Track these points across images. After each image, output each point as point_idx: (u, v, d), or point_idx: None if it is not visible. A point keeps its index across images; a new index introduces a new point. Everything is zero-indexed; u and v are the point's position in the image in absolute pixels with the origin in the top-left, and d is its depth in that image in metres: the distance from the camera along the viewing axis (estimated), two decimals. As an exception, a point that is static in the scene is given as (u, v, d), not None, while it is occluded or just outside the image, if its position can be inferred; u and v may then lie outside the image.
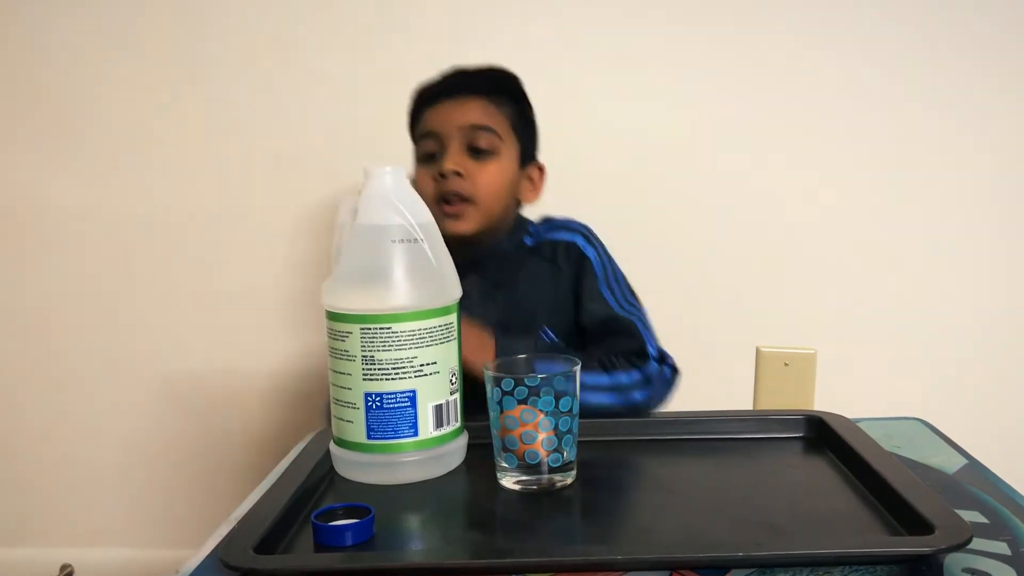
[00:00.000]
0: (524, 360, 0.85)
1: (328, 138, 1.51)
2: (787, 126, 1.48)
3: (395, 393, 0.81)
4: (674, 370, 1.14)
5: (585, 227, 1.21)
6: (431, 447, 0.83)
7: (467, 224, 1.11)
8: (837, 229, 1.49)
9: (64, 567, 1.57)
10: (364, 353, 0.81)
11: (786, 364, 1.28)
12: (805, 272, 1.50)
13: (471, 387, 0.88)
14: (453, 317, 0.85)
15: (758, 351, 1.31)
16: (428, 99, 1.16)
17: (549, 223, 1.22)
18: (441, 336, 0.83)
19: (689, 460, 0.89)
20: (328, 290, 0.85)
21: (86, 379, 1.60)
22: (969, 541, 0.63)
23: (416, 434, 0.82)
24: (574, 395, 0.80)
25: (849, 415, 0.94)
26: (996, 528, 0.70)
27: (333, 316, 0.84)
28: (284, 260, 1.52)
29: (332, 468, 0.86)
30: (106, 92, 1.53)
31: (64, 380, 1.60)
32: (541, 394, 0.78)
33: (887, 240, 1.49)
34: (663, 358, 1.13)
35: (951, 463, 0.86)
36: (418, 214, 0.84)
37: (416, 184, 1.12)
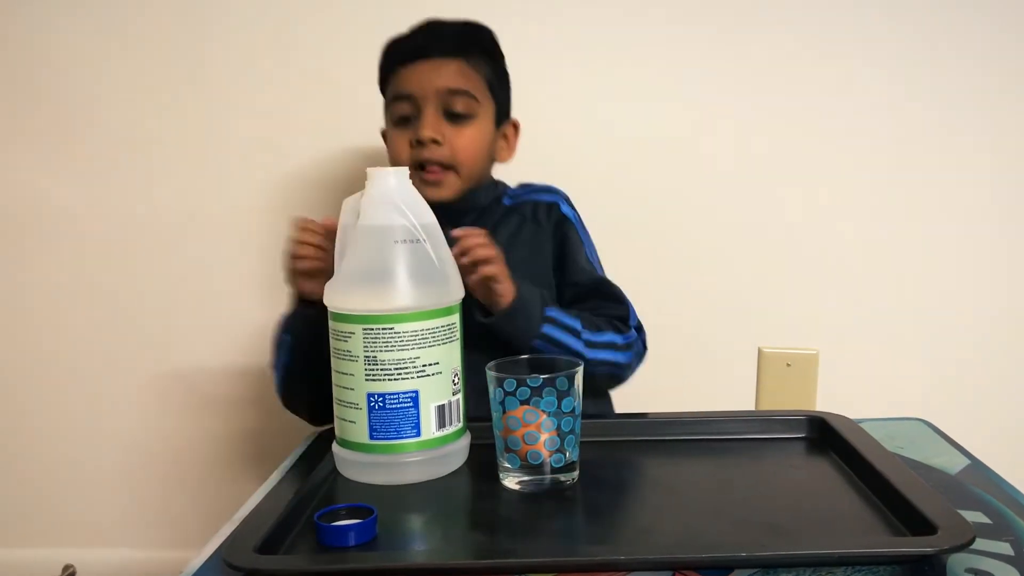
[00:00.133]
0: (526, 361, 0.85)
1: (329, 138, 1.51)
2: (789, 126, 1.48)
3: (398, 393, 0.81)
4: (645, 346, 1.15)
5: (563, 192, 1.20)
6: (433, 447, 0.83)
7: (447, 191, 1.10)
8: (839, 229, 1.49)
9: (66, 567, 1.57)
10: (367, 353, 0.81)
11: (788, 365, 1.29)
12: (807, 273, 1.50)
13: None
14: (456, 317, 0.85)
15: (760, 352, 1.31)
16: (402, 58, 1.12)
17: (527, 186, 1.22)
18: (444, 336, 0.83)
19: (691, 461, 0.89)
20: (331, 290, 0.85)
21: (87, 379, 1.60)
22: (972, 542, 0.63)
23: (419, 434, 0.82)
24: (577, 395, 0.80)
25: (851, 415, 0.94)
26: (999, 529, 0.70)
27: (336, 316, 0.84)
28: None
29: (335, 468, 0.86)
30: (106, 92, 1.52)
31: (65, 380, 1.60)
32: (543, 395, 0.78)
33: (889, 240, 1.49)
34: (640, 328, 1.15)
35: (954, 463, 0.86)
36: (421, 215, 0.84)
37: (391, 148, 1.12)
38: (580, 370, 0.80)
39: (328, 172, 1.52)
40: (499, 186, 1.20)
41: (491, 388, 0.81)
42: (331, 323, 0.85)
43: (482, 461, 0.85)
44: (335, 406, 0.86)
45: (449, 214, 1.07)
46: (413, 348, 0.81)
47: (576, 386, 0.80)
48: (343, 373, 0.83)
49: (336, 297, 0.84)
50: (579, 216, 1.19)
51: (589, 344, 1.04)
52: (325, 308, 0.93)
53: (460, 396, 0.86)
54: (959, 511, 0.68)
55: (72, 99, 1.53)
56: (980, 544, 0.65)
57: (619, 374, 1.11)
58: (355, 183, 1.48)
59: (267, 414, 1.56)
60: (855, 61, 1.46)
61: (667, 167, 1.49)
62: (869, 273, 1.50)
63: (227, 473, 1.60)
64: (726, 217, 1.49)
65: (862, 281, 1.50)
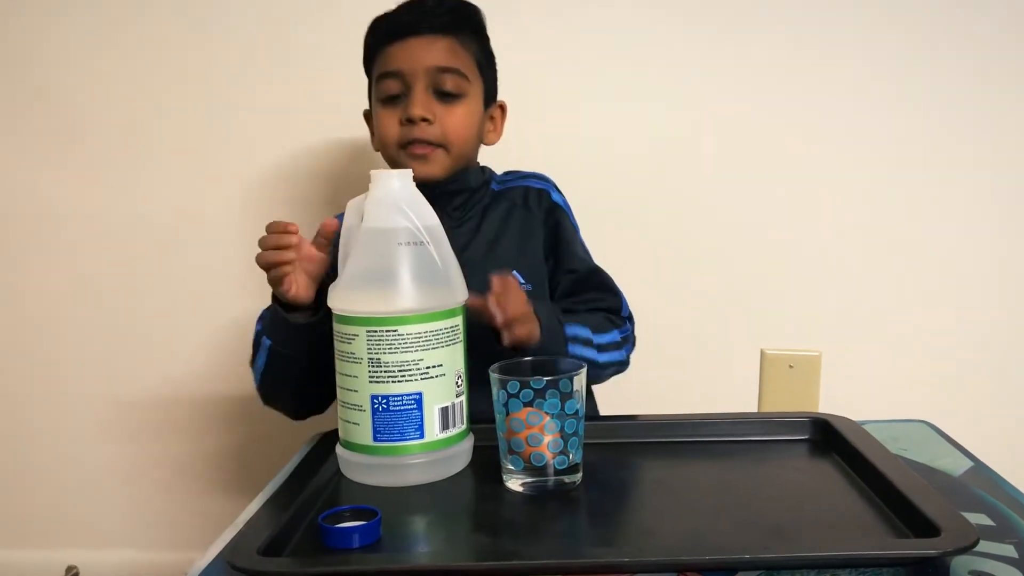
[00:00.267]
0: (529, 363, 0.85)
1: (329, 139, 1.51)
2: (791, 127, 1.48)
3: (401, 395, 0.82)
4: (634, 336, 1.16)
5: (552, 179, 1.20)
6: (437, 449, 0.83)
7: (435, 167, 1.08)
8: (841, 230, 1.49)
9: (70, 569, 1.58)
10: (370, 355, 0.81)
11: (791, 366, 1.28)
12: (809, 274, 1.50)
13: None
14: (459, 319, 0.85)
15: (762, 353, 1.31)
16: (391, 34, 1.09)
17: (514, 173, 1.21)
18: (447, 338, 0.83)
19: (694, 462, 0.89)
20: (334, 293, 0.85)
21: (90, 381, 1.60)
22: (975, 544, 0.63)
23: (422, 436, 0.82)
24: (580, 398, 0.80)
25: (854, 417, 0.94)
26: (1003, 531, 0.70)
27: (339, 318, 0.84)
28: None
29: (338, 470, 0.86)
30: (104, 93, 1.53)
31: (67, 382, 1.60)
32: (547, 396, 0.78)
33: (891, 241, 1.49)
34: (630, 319, 1.15)
35: (957, 465, 0.86)
36: (424, 217, 0.84)
37: (378, 126, 1.10)
38: (583, 372, 0.80)
39: (328, 172, 1.52)
40: (486, 171, 1.18)
41: (494, 390, 0.81)
42: (335, 325, 0.85)
43: (486, 463, 0.85)
44: (339, 408, 0.86)
45: (438, 195, 1.06)
46: (417, 350, 0.81)
47: (579, 388, 0.80)
48: (347, 375, 0.83)
49: (340, 299, 0.84)
50: (568, 203, 1.19)
51: (600, 348, 1.05)
52: (309, 310, 0.93)
53: (464, 398, 0.86)
54: (962, 513, 0.68)
55: (70, 100, 1.54)
56: (984, 546, 0.65)
57: (622, 370, 1.12)
58: (354, 183, 1.50)
59: (270, 415, 1.55)
60: (857, 61, 1.46)
61: (668, 167, 1.50)
62: (871, 274, 1.50)
63: (230, 475, 1.60)
64: (728, 218, 1.50)
65: (864, 282, 1.50)
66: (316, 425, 1.03)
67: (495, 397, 0.81)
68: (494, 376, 0.80)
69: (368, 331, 0.81)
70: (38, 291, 1.59)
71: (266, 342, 0.98)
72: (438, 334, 0.82)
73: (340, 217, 1.01)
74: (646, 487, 0.85)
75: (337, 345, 0.85)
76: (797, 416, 0.95)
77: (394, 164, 1.11)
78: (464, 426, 0.86)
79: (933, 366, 1.50)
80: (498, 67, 1.17)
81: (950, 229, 1.49)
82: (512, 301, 0.92)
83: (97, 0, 1.51)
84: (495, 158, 1.21)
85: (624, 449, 0.92)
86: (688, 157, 1.49)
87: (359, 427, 0.83)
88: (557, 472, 0.79)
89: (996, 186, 1.48)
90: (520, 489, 0.80)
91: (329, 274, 0.93)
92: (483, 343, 0.93)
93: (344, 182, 1.52)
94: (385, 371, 0.81)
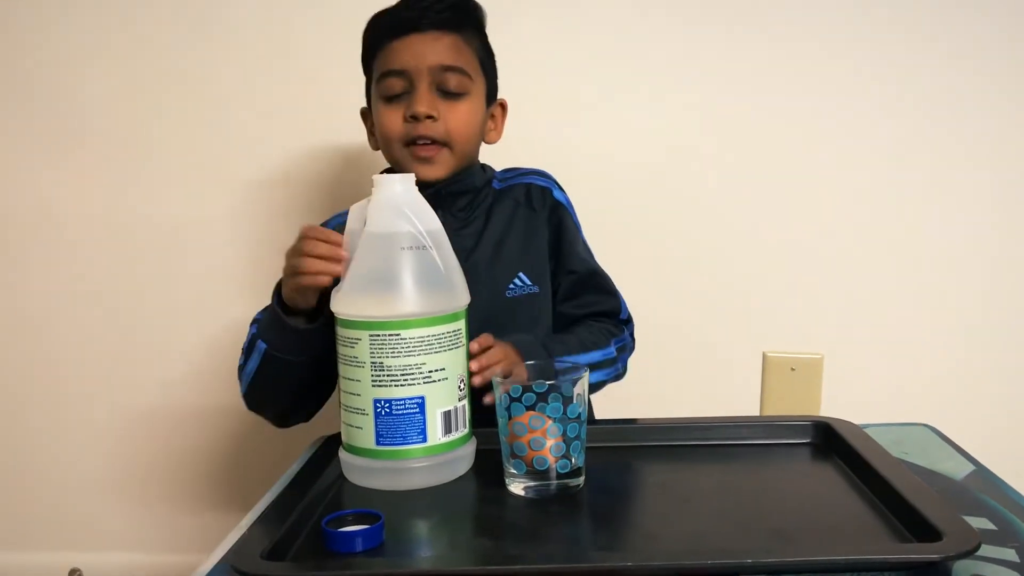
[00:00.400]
0: (532, 366, 0.86)
1: (331, 142, 1.51)
2: (792, 128, 1.48)
3: (404, 399, 0.82)
4: (633, 339, 1.16)
5: (553, 176, 1.19)
6: (440, 453, 0.83)
7: (440, 169, 1.07)
8: (843, 233, 1.49)
9: (73, 571, 1.58)
10: (373, 359, 0.81)
11: (793, 369, 1.29)
12: (811, 276, 1.49)
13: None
14: (461, 323, 0.86)
15: (765, 356, 1.31)
16: (392, 31, 1.08)
17: (514, 170, 1.19)
18: (450, 342, 0.84)
19: (697, 466, 0.89)
20: (337, 297, 0.85)
21: (92, 384, 1.60)
22: (977, 548, 0.63)
23: (425, 440, 0.82)
24: (582, 401, 0.80)
25: (856, 420, 0.94)
26: (1005, 535, 0.70)
27: (342, 323, 0.84)
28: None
29: (341, 474, 0.86)
30: (107, 95, 1.52)
31: (70, 384, 1.61)
32: (549, 400, 0.78)
33: (894, 244, 1.49)
34: (629, 321, 1.16)
35: (959, 469, 0.86)
36: (426, 221, 0.85)
37: (381, 124, 1.09)
38: (586, 376, 0.80)
39: (329, 175, 1.52)
40: (487, 169, 1.18)
41: (497, 394, 0.81)
42: (337, 329, 0.85)
43: (488, 467, 0.85)
44: (341, 412, 0.86)
45: (443, 197, 1.08)
46: (419, 354, 0.82)
47: (581, 392, 0.80)
48: (350, 379, 0.84)
49: (343, 303, 0.84)
50: (571, 201, 1.18)
51: (592, 367, 1.05)
52: (310, 315, 0.93)
53: (466, 402, 0.86)
54: (964, 517, 0.68)
55: (70, 101, 1.54)
56: (985, 550, 0.65)
57: (619, 379, 1.12)
58: (355, 185, 1.50)
59: (273, 418, 1.56)
60: (858, 62, 1.46)
61: (669, 168, 1.49)
62: (873, 277, 1.50)
63: (234, 478, 1.60)
64: (729, 219, 1.49)
65: (867, 285, 1.50)
66: (319, 429, 1.04)
67: (497, 401, 0.81)
68: (496, 380, 0.81)
69: (371, 335, 0.81)
70: (40, 293, 1.59)
71: (261, 346, 0.97)
72: (440, 338, 0.83)
73: (338, 217, 1.02)
74: (648, 491, 0.85)
75: (340, 349, 0.85)
76: (799, 420, 0.95)
77: (396, 162, 1.10)
78: (467, 430, 0.87)
79: (935, 369, 1.50)
80: (497, 66, 1.16)
81: (953, 232, 1.49)
82: (493, 358, 0.91)
83: (100, 2, 1.51)
84: (494, 158, 1.20)
85: (626, 453, 0.92)
86: (689, 158, 1.49)
87: (362, 431, 0.83)
88: (560, 476, 0.79)
89: (999, 188, 1.48)
90: (523, 493, 0.80)
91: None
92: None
93: (345, 184, 1.52)
94: (388, 375, 0.81)
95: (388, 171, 1.13)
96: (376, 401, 0.82)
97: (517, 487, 0.81)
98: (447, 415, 0.84)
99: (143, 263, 1.57)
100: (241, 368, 1.03)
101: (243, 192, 1.54)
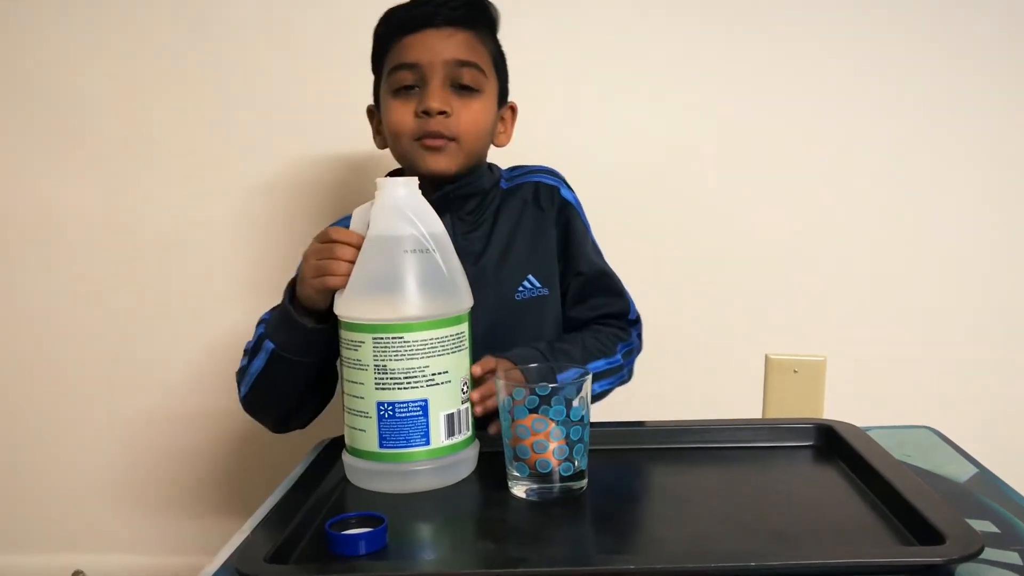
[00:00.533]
0: (535, 369, 0.86)
1: (334, 144, 1.51)
2: (795, 130, 1.47)
3: (407, 402, 0.82)
4: (640, 340, 1.16)
5: (561, 174, 1.18)
6: (443, 456, 0.84)
7: (449, 161, 1.05)
8: (846, 235, 1.49)
9: (76, 573, 1.58)
10: (376, 362, 0.82)
11: (795, 371, 1.29)
12: (814, 278, 1.49)
13: None
14: (464, 326, 0.86)
15: (767, 358, 1.31)
16: (406, 26, 1.06)
17: (521, 168, 1.18)
18: (453, 345, 0.84)
19: (700, 469, 0.89)
20: (341, 300, 0.85)
21: (95, 386, 1.60)
22: (981, 551, 0.64)
23: (428, 443, 0.83)
24: (585, 404, 0.80)
25: (858, 423, 0.94)
26: (1008, 538, 0.70)
27: (346, 326, 0.84)
28: (291, 269, 1.52)
29: (344, 477, 0.87)
30: (108, 97, 1.52)
31: (72, 387, 1.60)
32: (552, 403, 0.78)
33: (897, 246, 1.49)
34: (637, 321, 1.15)
35: (962, 472, 0.86)
36: (430, 224, 0.85)
37: (391, 119, 1.07)
38: (588, 379, 0.81)
39: (332, 177, 1.52)
40: (495, 169, 1.16)
41: (500, 397, 0.81)
42: (341, 332, 0.85)
43: (491, 470, 0.85)
44: (345, 414, 0.86)
45: (452, 199, 1.07)
46: (422, 357, 0.82)
47: (585, 395, 0.80)
48: (353, 382, 0.84)
49: (346, 306, 0.84)
50: (579, 200, 1.17)
51: (598, 376, 1.05)
52: (319, 317, 0.93)
53: (469, 405, 0.86)
54: (967, 520, 0.68)
55: (72, 102, 1.53)
56: (989, 554, 0.65)
57: (623, 384, 1.12)
58: (358, 188, 1.50)
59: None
60: (860, 62, 1.46)
61: (670, 170, 1.49)
62: (876, 279, 1.49)
63: (237, 480, 1.61)
64: (731, 221, 1.49)
65: (869, 287, 1.50)
66: (321, 432, 1.04)
67: (500, 403, 0.81)
68: (500, 383, 0.81)
69: (374, 338, 0.82)
70: (40, 294, 1.59)
71: (268, 345, 0.97)
72: (444, 341, 0.83)
73: (341, 221, 1.01)
74: (651, 493, 0.85)
75: (343, 352, 0.85)
76: (802, 422, 0.95)
77: (404, 156, 1.08)
78: (470, 433, 0.87)
79: (938, 372, 1.49)
80: (508, 69, 1.15)
81: (955, 233, 1.48)
82: (494, 388, 0.88)
83: (100, 2, 1.51)
84: (495, 158, 1.20)
85: (629, 455, 0.92)
86: (689, 158, 1.49)
87: (365, 434, 0.83)
88: (562, 479, 0.80)
89: (1002, 189, 1.48)
90: (525, 496, 0.80)
91: None
92: (488, 351, 0.93)
93: (347, 187, 1.52)
94: (391, 378, 0.82)
95: (398, 172, 1.12)
96: (379, 404, 0.82)
97: (520, 490, 0.81)
98: (450, 418, 0.84)
99: (143, 265, 1.56)
100: (243, 370, 1.02)
101: (244, 193, 1.54)
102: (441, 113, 1.03)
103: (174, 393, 1.60)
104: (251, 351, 1.01)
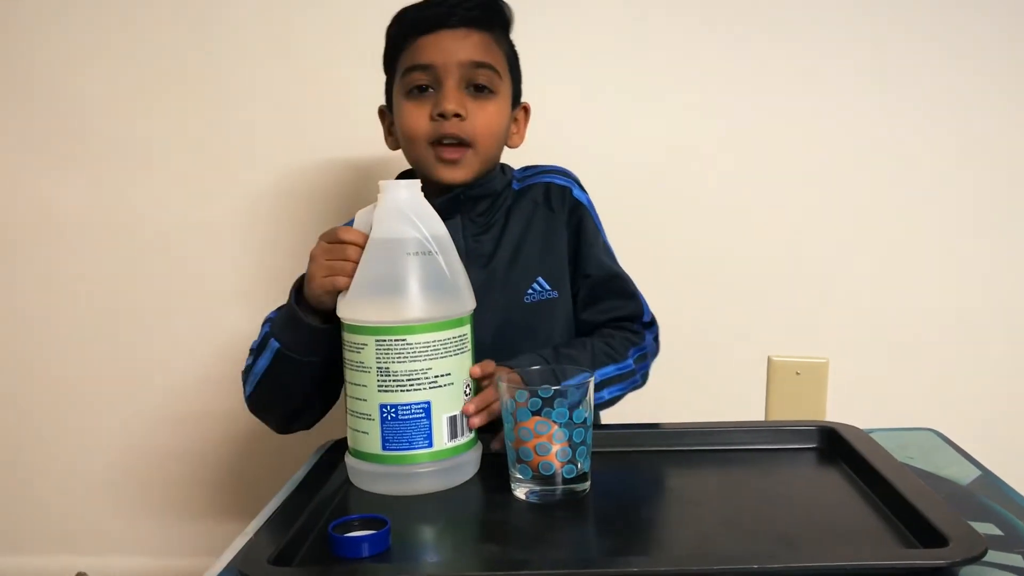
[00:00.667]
0: (538, 372, 0.86)
1: (338, 146, 1.51)
2: (798, 132, 1.48)
3: (410, 404, 0.82)
4: (657, 338, 1.14)
5: (573, 174, 1.17)
6: (445, 458, 0.84)
7: (465, 171, 1.05)
8: (848, 237, 1.49)
9: (78, 575, 1.58)
10: (379, 365, 0.82)
11: (797, 373, 1.29)
12: (816, 280, 1.50)
13: None
14: (467, 329, 0.86)
15: (769, 360, 1.31)
16: (421, 27, 1.05)
17: (533, 168, 1.17)
18: (455, 348, 0.84)
19: (702, 471, 0.89)
20: (344, 302, 0.85)
21: (97, 388, 1.60)
22: (984, 554, 0.63)
23: (431, 445, 0.83)
24: (588, 407, 0.80)
25: (861, 424, 0.94)
26: (1011, 540, 0.70)
27: (349, 328, 0.85)
28: (293, 270, 1.52)
29: (347, 479, 0.87)
30: (110, 98, 1.53)
31: (74, 389, 1.61)
32: (555, 406, 0.78)
33: (899, 248, 1.49)
34: (652, 323, 1.13)
35: (965, 474, 0.86)
36: (432, 227, 0.85)
37: (405, 121, 1.06)
38: (592, 382, 0.80)
39: (335, 179, 1.52)
40: (507, 170, 1.15)
41: (503, 399, 0.81)
42: (344, 334, 0.85)
43: (494, 472, 0.85)
44: (348, 416, 0.86)
45: (463, 201, 1.07)
46: (425, 359, 0.82)
47: (588, 397, 0.80)
48: (356, 384, 0.84)
49: (349, 308, 0.84)
50: (591, 200, 1.16)
51: (606, 383, 1.03)
52: (326, 316, 0.92)
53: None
54: (970, 523, 0.68)
55: (74, 104, 1.53)
56: (992, 556, 0.65)
57: (636, 389, 1.09)
58: (362, 190, 1.50)
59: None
60: (862, 63, 1.46)
61: (672, 171, 1.49)
62: (878, 281, 1.49)
63: (240, 483, 1.61)
64: (733, 223, 1.49)
65: (872, 289, 1.50)
66: (324, 434, 1.04)
67: (503, 406, 0.81)
68: (502, 386, 0.81)
69: (377, 340, 0.82)
70: (42, 296, 1.59)
71: (274, 344, 0.96)
72: (446, 343, 0.83)
73: (347, 225, 1.01)
74: (654, 496, 0.85)
75: (346, 354, 0.85)
76: (804, 425, 0.95)
77: (418, 162, 1.07)
78: (472, 435, 0.87)
79: (940, 374, 1.49)
80: (521, 69, 1.14)
81: (959, 235, 1.48)
82: (488, 399, 0.87)
83: (101, 3, 1.51)
84: (506, 158, 1.19)
85: (632, 458, 0.92)
86: (689, 158, 1.49)
87: (368, 436, 0.83)
88: (565, 481, 0.79)
89: (1006, 193, 1.48)
90: (528, 498, 0.80)
91: None
92: (497, 353, 0.93)
93: (351, 188, 1.52)
94: (394, 380, 0.82)
95: (409, 173, 1.12)
96: (382, 406, 0.82)
97: (523, 492, 0.81)
98: (453, 420, 0.84)
99: (144, 266, 1.57)
100: (248, 369, 1.02)
101: (245, 194, 1.54)
102: (456, 116, 1.02)
103: (176, 394, 1.60)
104: (256, 350, 1.00)
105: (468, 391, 0.86)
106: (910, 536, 0.70)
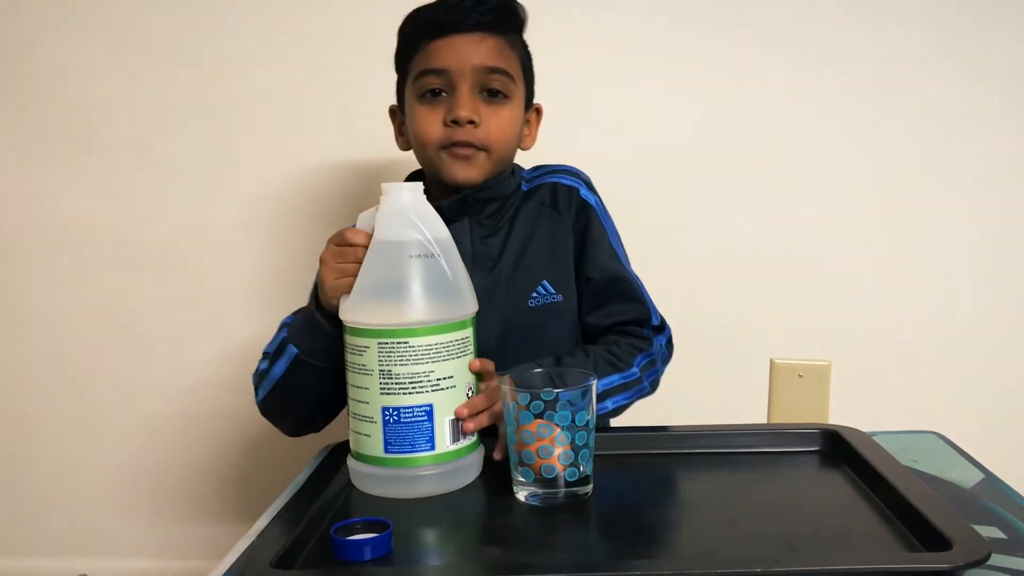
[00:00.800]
0: (540, 374, 0.86)
1: (341, 149, 1.51)
2: (799, 135, 1.48)
3: (412, 407, 0.82)
4: (670, 342, 1.11)
5: (584, 173, 1.14)
6: (448, 461, 0.84)
7: (476, 171, 1.04)
8: (852, 239, 1.49)
9: (81, 577, 1.59)
10: (381, 367, 0.82)
11: (800, 376, 1.29)
12: (819, 283, 1.49)
13: None
14: (469, 331, 0.86)
15: (772, 363, 1.31)
16: (434, 31, 1.03)
17: (543, 168, 1.15)
18: (458, 350, 0.84)
19: (705, 474, 0.89)
20: (346, 305, 0.85)
21: (100, 390, 1.61)
22: (988, 557, 0.63)
23: (433, 448, 0.83)
24: (590, 409, 0.80)
25: (863, 427, 0.94)
26: (1015, 544, 0.70)
27: (351, 330, 0.85)
28: (296, 272, 1.52)
29: (349, 482, 0.87)
30: (115, 103, 1.53)
31: (80, 392, 1.61)
32: (557, 408, 0.78)
33: (902, 250, 1.49)
34: (662, 328, 1.11)
35: (968, 477, 0.85)
36: (435, 229, 0.85)
37: (417, 125, 1.05)
38: (594, 384, 0.80)
39: (336, 183, 1.52)
40: (516, 172, 1.13)
41: (505, 402, 0.81)
42: (346, 337, 0.85)
43: (496, 475, 0.85)
44: (350, 419, 0.86)
45: (472, 204, 1.06)
46: (427, 362, 0.82)
47: (590, 400, 0.80)
48: (358, 387, 0.84)
49: (351, 311, 0.84)
50: (601, 201, 1.13)
51: (610, 392, 1.01)
52: (337, 321, 0.93)
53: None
54: (974, 526, 0.68)
55: (79, 109, 1.54)
56: (996, 560, 0.65)
57: (645, 397, 1.06)
58: (365, 192, 1.50)
59: (281, 425, 1.56)
60: (871, 65, 1.46)
61: (674, 173, 1.49)
62: (881, 283, 1.49)
63: (242, 485, 1.61)
64: (736, 225, 1.49)
65: (874, 291, 1.49)
66: (327, 436, 1.04)
67: (506, 409, 0.81)
68: (504, 388, 0.81)
69: (379, 343, 0.82)
70: (47, 299, 1.59)
71: (292, 350, 0.95)
72: (448, 346, 0.83)
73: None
74: (656, 499, 0.85)
75: (348, 357, 0.85)
76: (807, 427, 0.94)
77: (429, 164, 1.07)
78: (475, 438, 0.87)
79: (943, 376, 1.49)
80: (535, 71, 1.13)
81: (962, 238, 1.48)
82: (479, 405, 0.87)
83: (107, 7, 1.52)
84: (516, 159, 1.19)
85: (634, 461, 0.92)
86: (693, 161, 1.49)
87: (370, 439, 0.83)
88: (568, 484, 0.79)
89: (1009, 195, 1.47)
90: (531, 501, 0.80)
91: None
92: (501, 357, 0.93)
93: (355, 190, 1.52)
94: (396, 383, 0.82)
95: (417, 174, 1.12)
96: (384, 409, 0.82)
97: (525, 495, 0.81)
98: (455, 423, 0.84)
99: (150, 271, 1.57)
100: (263, 373, 1.00)
101: (251, 197, 1.54)
102: (470, 122, 1.02)
103: (179, 397, 1.60)
104: (272, 354, 0.99)
105: (470, 394, 0.86)
106: (913, 540, 0.70)
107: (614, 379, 1.01)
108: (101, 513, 1.63)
